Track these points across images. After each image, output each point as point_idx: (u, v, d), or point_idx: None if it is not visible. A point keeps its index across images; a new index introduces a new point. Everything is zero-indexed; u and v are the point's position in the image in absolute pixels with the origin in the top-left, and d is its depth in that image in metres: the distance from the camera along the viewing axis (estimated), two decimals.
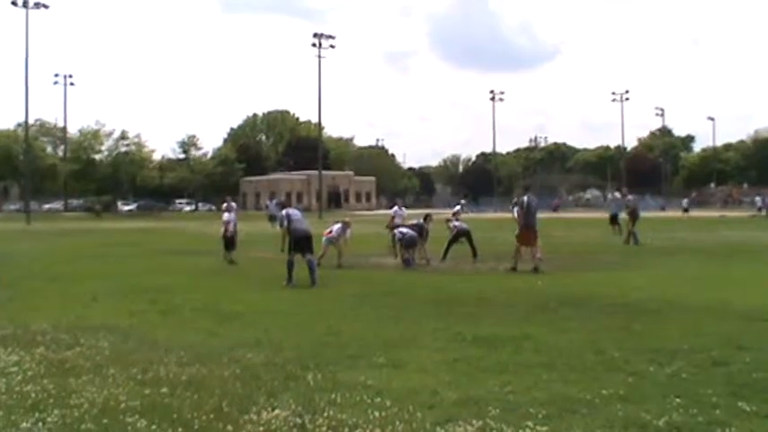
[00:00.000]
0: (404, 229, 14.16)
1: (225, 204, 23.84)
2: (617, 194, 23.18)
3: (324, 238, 13.97)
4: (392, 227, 14.62)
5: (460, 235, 15.04)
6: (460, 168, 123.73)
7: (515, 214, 14.21)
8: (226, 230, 14.89)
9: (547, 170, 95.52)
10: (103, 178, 74.91)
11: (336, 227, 14.11)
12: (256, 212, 65.64)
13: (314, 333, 6.95)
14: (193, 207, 77.43)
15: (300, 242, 10.72)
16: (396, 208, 16.69)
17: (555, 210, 58.18)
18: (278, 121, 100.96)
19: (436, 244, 15.30)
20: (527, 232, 12.68)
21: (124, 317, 7.92)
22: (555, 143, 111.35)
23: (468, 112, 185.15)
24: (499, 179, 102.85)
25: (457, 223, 15.35)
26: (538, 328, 6.97)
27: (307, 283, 10.60)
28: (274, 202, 30.21)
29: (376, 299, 9.18)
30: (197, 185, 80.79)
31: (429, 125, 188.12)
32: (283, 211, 11.09)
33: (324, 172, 66.96)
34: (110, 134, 76.54)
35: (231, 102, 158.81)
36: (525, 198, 12.84)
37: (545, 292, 9.57)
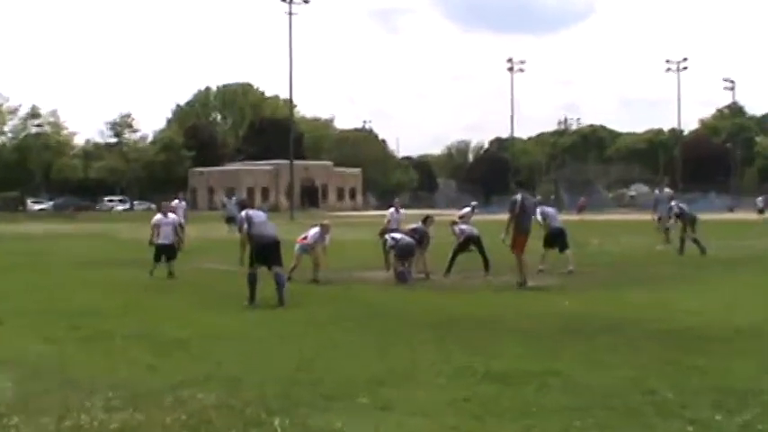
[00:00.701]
0: (397, 235, 14.16)
1: (175, 202, 23.78)
2: (666, 191, 23.03)
3: (296, 246, 14.03)
4: (383, 232, 14.60)
5: (469, 242, 15.09)
6: (469, 158, 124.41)
7: (538, 218, 14.40)
8: (156, 235, 14.83)
9: (580, 160, 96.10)
10: (6, 167, 71.87)
11: (312, 232, 14.11)
12: (210, 213, 65.62)
13: (281, 366, 6.92)
14: (128, 206, 77.15)
15: (265, 251, 10.74)
16: (392, 210, 16.69)
17: (580, 211, 57.21)
18: (237, 97, 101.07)
19: (439, 253, 15.36)
20: (522, 238, 12.87)
21: (35, 346, 7.84)
22: (590, 125, 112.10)
23: (478, 86, 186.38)
24: (518, 171, 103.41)
25: (464, 227, 15.36)
26: (567, 360, 7.03)
27: (273, 303, 10.62)
28: (233, 200, 30.20)
29: (360, 322, 9.19)
30: (132, 178, 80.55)
31: (428, 103, 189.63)
32: (244, 212, 11.07)
33: (296, 162, 67.02)
34: (14, 111, 73.66)
35: (177, 72, 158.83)
36: (518, 197, 13.01)
37: (576, 315, 9.58)
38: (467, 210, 21.54)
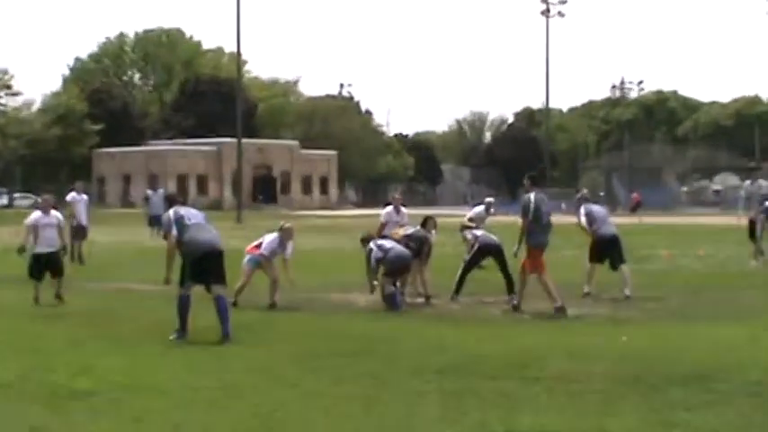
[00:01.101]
0: (387, 243, 14.15)
1: (71, 195, 23.51)
2: (763, 183, 23.09)
3: (246, 258, 14.07)
4: (366, 239, 14.50)
5: (485, 253, 15.18)
6: (486, 137, 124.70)
7: (582, 221, 14.38)
8: (32, 239, 14.28)
9: (642, 140, 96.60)
10: None
11: (269, 238, 14.12)
12: (124, 211, 64.98)
13: (225, 429, 6.90)
14: (5, 201, 77.12)
15: (203, 264, 10.74)
16: (389, 209, 16.58)
17: (633, 210, 57.72)
18: (163, 49, 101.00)
19: (444, 268, 15.33)
20: (536, 252, 13.17)
21: None
22: (657, 92, 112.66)
23: (499, 37, 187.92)
24: (554, 156, 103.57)
25: (478, 233, 15.43)
26: (624, 419, 7.05)
27: (214, 338, 10.64)
28: (160, 192, 30.19)
29: (336, 364, 9.22)
30: (12, 161, 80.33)
31: (430, 63, 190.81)
32: (172, 211, 11.05)
33: (246, 141, 66.88)
34: None
35: (77, 14, 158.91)
36: (531, 197, 13.28)
37: (636, 356, 9.63)
38: (479, 209, 21.59)
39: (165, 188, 75.47)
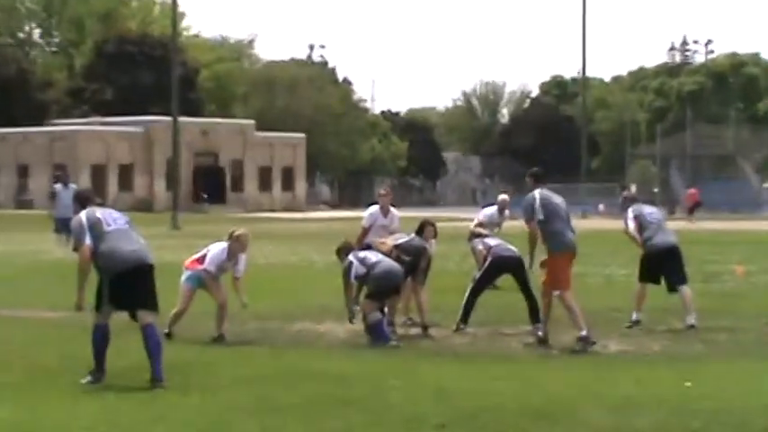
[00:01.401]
0: (372, 255, 14.15)
1: None
2: None
3: (185, 276, 14.13)
4: (344, 250, 14.50)
5: (500, 269, 15.33)
6: (503, 116, 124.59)
7: (630, 228, 14.57)
8: None
9: (708, 119, 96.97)
10: None
11: (215, 250, 14.08)
12: (19, 212, 64.01)
13: None
14: None
15: (126, 283, 10.76)
16: (373, 210, 16.77)
17: (691, 211, 59.16)
18: None
19: (447, 289, 15.30)
20: (557, 262, 13.31)
21: None
22: (731, 55, 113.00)
23: None
24: (594, 140, 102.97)
25: (492, 242, 15.52)
26: None
27: (141, 380, 10.67)
28: (71, 187, 30.06)
29: (303, 418, 9.23)
30: None
31: (427, 18, 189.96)
32: (84, 214, 11.05)
33: (185, 119, 66.70)
34: None
35: None
36: (535, 195, 13.62)
37: (701, 407, 9.67)
38: (490, 210, 21.62)
39: (74, 183, 75.57)
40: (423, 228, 15.23)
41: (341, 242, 14.95)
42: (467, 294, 14.96)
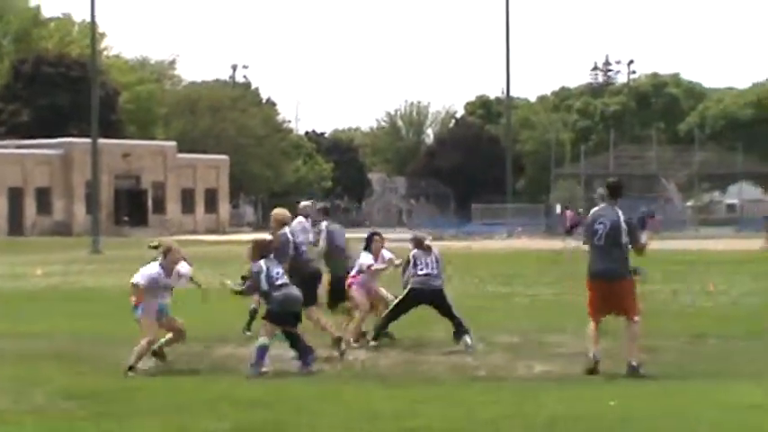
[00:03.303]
0: (282, 277, 13.81)
1: None
2: None
3: (136, 311, 13.90)
4: (260, 250, 14.19)
5: (417, 297, 15.54)
6: (428, 135, 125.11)
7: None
8: None
9: (631, 139, 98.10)
10: None
11: (148, 272, 13.82)
12: None
13: None
14: None
15: None
16: (298, 221, 16.90)
17: (569, 232, 59.23)
18: None
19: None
20: (597, 285, 13.31)
21: None
22: (653, 75, 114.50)
23: (442, 7, 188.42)
24: (519, 159, 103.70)
25: (419, 271, 15.66)
26: None
27: (57, 408, 10.53)
28: None
29: None
30: None
31: (352, 39, 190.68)
32: None
33: (105, 141, 66.19)
34: None
35: None
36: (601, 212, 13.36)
37: (628, 429, 9.77)
38: (415, 235, 21.89)
39: None
40: (370, 238, 15.68)
41: (259, 239, 14.41)
42: (388, 310, 15.31)
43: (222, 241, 62.08)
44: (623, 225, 13.10)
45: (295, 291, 13.80)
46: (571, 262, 36.67)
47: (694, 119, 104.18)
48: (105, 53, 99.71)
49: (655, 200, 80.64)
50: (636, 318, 13.14)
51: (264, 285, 13.55)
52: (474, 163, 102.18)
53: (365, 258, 16.48)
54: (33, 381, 10.95)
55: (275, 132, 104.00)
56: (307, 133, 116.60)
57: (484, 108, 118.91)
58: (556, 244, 51.67)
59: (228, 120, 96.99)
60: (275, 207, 17.01)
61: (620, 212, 13.20)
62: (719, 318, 19.19)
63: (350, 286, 16.51)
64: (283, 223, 15.22)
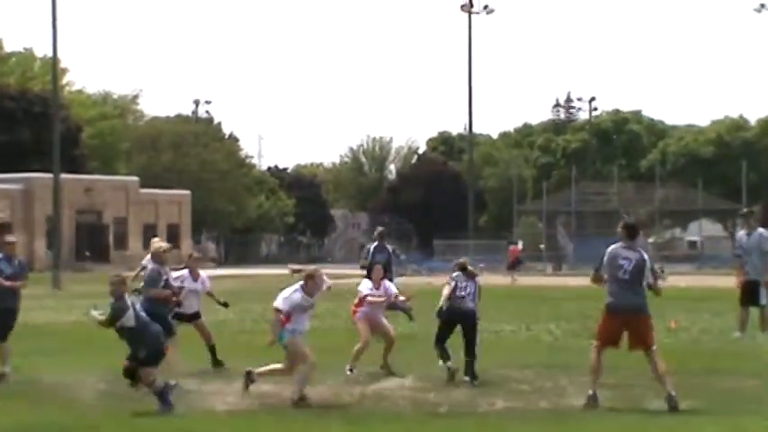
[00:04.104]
0: (144, 315, 13.64)
1: None
2: (762, 232, 23.98)
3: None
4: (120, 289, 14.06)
5: (450, 316, 15.73)
6: (390, 170, 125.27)
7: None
8: None
9: (592, 176, 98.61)
10: None
11: (290, 296, 14.01)
12: None
13: None
14: None
15: None
16: (184, 272, 17.71)
17: (512, 267, 59.35)
18: None
19: (332, 349, 15.29)
20: (619, 318, 13.50)
21: None
22: (614, 112, 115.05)
23: (405, 43, 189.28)
24: (481, 195, 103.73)
25: (458, 293, 15.88)
26: None
27: None
28: None
29: None
30: None
31: (313, 74, 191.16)
32: None
33: (67, 176, 65.79)
34: None
35: None
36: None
37: None
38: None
39: None
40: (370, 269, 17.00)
41: (116, 277, 13.88)
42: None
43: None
44: (648, 265, 13.59)
45: (157, 327, 13.75)
46: (523, 297, 37.04)
47: (656, 156, 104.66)
48: (67, 88, 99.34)
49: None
50: (654, 347, 13.49)
51: (129, 323, 13.24)
52: (436, 199, 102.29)
53: (363, 287, 16.79)
54: None
55: (238, 168, 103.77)
56: (269, 169, 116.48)
57: (446, 144, 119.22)
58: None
59: (191, 155, 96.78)
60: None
61: (644, 252, 13.71)
62: (683, 353, 19.30)
63: (353, 315, 16.88)
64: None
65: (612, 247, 13.90)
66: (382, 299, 16.70)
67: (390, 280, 18.42)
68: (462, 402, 13.83)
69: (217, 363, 16.96)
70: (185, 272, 17.11)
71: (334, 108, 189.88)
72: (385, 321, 16.86)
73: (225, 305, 17.94)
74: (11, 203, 79.68)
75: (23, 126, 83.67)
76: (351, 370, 16.22)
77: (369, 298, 16.51)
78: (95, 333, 16.47)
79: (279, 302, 13.90)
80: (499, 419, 12.72)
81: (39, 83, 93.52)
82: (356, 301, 16.86)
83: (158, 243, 17.44)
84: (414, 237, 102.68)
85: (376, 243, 24.94)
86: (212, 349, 17.07)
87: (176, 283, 16.71)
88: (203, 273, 17.27)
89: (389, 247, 25.11)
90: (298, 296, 13.93)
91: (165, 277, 16.29)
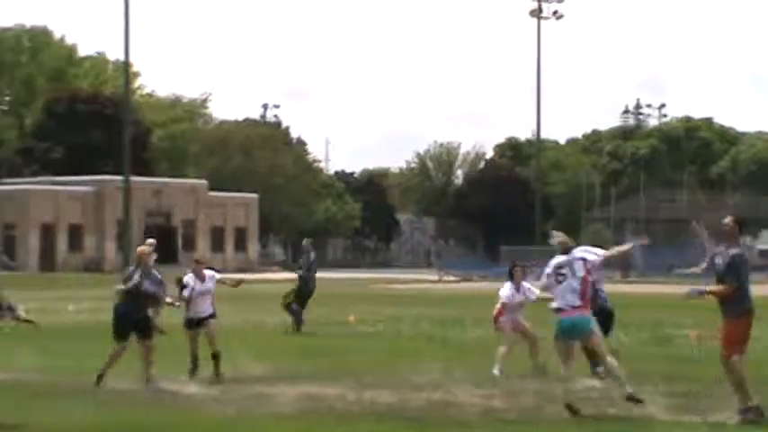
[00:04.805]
0: None
1: None
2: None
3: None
4: None
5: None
6: (457, 177, 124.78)
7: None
8: None
9: (662, 183, 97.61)
10: None
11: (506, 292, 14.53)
12: None
13: None
14: None
15: None
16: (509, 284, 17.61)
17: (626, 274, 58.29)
18: (23, 55, 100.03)
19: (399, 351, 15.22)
20: (737, 321, 13.06)
21: None
22: (684, 119, 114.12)
23: (474, 48, 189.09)
24: (548, 202, 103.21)
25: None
26: None
27: None
28: None
29: None
30: None
31: (381, 78, 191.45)
32: None
33: (138, 179, 66.36)
34: None
35: None
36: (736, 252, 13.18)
37: None
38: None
39: (27, 243, 74.81)
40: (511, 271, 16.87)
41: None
42: None
43: (251, 280, 62.03)
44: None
45: None
46: None
47: (727, 163, 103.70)
48: (139, 91, 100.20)
49: (686, 244, 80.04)
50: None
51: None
52: (502, 205, 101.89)
53: (504, 290, 17.21)
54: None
55: (305, 171, 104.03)
56: (336, 173, 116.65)
57: (513, 150, 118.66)
58: None
59: (259, 159, 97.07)
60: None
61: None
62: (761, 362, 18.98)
63: (496, 321, 17.13)
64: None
65: (735, 251, 13.30)
66: (521, 298, 16.94)
67: None
68: (530, 409, 13.60)
69: (217, 372, 16.35)
70: (190, 277, 17.10)
71: (401, 113, 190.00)
72: (525, 321, 17.08)
73: (238, 284, 17.97)
74: (82, 206, 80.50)
75: (96, 129, 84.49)
76: (500, 371, 16.33)
77: (506, 302, 16.91)
78: (176, 334, 16.75)
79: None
80: (568, 427, 12.52)
81: (111, 86, 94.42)
82: (498, 306, 17.06)
83: (142, 247, 17.40)
84: (479, 242, 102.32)
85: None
86: (215, 357, 16.39)
87: (186, 292, 16.82)
88: (208, 271, 17.16)
89: None
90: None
91: (136, 279, 16.12)
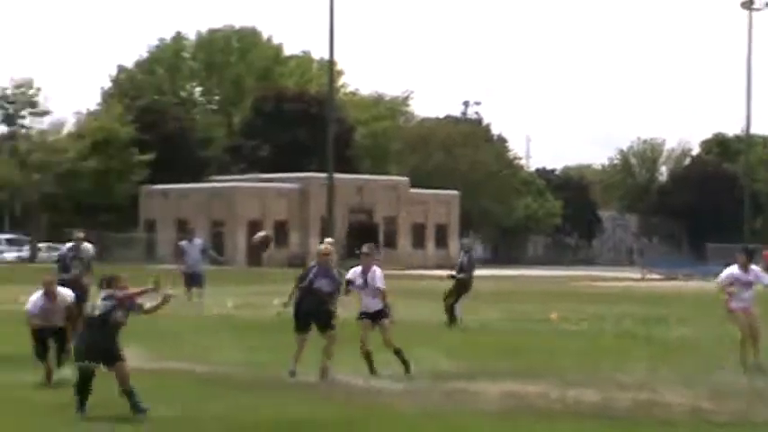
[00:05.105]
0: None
1: (66, 246, 23.61)
2: None
3: None
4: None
5: None
6: (662, 174, 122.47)
7: None
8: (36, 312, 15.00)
9: None
10: None
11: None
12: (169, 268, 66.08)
13: None
14: (25, 252, 78.72)
15: None
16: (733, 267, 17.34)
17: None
18: (232, 55, 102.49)
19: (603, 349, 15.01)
20: None
21: None
22: None
23: (677, 41, 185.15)
24: (757, 199, 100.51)
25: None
26: None
27: None
28: (197, 243, 30.30)
29: None
30: (36, 200, 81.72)
31: (583, 74, 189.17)
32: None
33: (341, 176, 67.07)
34: None
35: (120, 10, 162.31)
36: None
37: None
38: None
39: (235, 238, 76.55)
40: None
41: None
42: None
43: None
44: None
45: None
46: None
47: None
48: (342, 90, 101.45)
49: None
50: None
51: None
52: (708, 201, 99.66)
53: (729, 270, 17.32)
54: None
55: (506, 168, 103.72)
56: (537, 170, 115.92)
57: (721, 146, 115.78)
58: None
59: (460, 156, 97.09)
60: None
61: None
62: None
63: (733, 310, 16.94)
64: None
65: None
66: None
67: None
68: (742, 411, 13.16)
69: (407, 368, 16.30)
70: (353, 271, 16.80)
71: (603, 109, 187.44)
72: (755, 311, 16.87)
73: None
74: (288, 203, 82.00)
75: (301, 127, 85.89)
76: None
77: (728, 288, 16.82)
78: (351, 327, 16.80)
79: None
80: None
81: (315, 85, 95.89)
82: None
83: (322, 245, 17.27)
84: (683, 240, 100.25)
85: None
86: (397, 353, 16.24)
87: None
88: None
89: None
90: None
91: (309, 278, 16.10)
